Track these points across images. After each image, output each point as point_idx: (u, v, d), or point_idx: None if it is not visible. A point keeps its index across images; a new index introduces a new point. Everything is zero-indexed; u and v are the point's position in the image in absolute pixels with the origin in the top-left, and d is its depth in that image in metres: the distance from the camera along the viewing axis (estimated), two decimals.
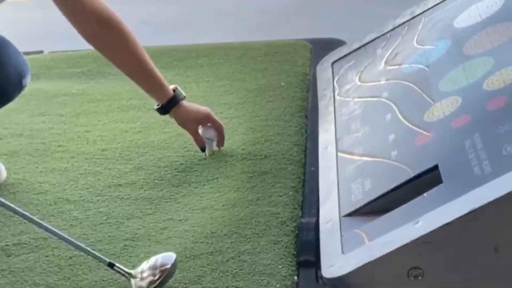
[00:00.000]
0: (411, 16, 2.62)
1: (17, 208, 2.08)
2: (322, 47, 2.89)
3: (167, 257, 2.06)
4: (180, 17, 3.86)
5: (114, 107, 2.83)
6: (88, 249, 2.08)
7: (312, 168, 2.32)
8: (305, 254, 2.02)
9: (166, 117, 2.48)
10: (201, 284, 1.99)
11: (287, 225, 2.12)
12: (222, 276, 1.98)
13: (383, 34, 2.65)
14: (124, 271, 2.03)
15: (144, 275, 2.03)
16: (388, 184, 2.00)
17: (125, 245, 2.12)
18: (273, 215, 2.16)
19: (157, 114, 2.49)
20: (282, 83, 2.76)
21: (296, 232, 2.10)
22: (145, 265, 2.05)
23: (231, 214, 2.18)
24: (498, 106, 1.96)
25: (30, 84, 2.93)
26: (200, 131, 2.50)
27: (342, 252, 1.91)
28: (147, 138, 2.63)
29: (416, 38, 2.50)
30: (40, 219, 2.19)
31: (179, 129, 2.54)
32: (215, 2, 4.00)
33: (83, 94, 2.87)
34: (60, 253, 2.08)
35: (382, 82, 2.43)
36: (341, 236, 1.96)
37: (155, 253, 2.03)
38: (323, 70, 2.68)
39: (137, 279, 2.03)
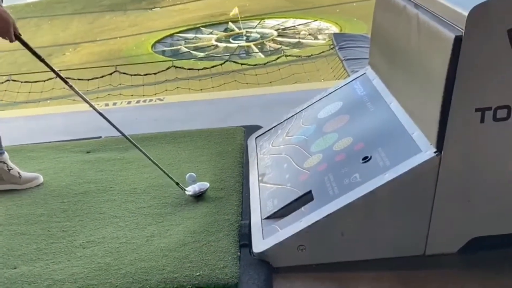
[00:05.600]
0: (295, 112, 2.67)
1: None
2: (250, 130, 2.87)
3: (204, 184, 2.34)
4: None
5: (141, 164, 2.65)
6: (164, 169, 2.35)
7: (246, 194, 2.32)
8: (243, 240, 2.02)
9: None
10: (183, 252, 1.95)
11: (234, 225, 2.11)
12: (200, 252, 1.96)
13: (282, 122, 2.69)
14: (183, 188, 2.33)
15: (195, 190, 2.32)
16: (286, 201, 2.04)
17: None
18: (227, 220, 2.14)
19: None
20: (230, 149, 2.73)
21: (239, 228, 2.08)
22: (194, 186, 2.33)
23: (203, 220, 2.15)
24: (341, 158, 2.03)
25: (95, 154, 2.81)
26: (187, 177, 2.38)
27: (263, 238, 1.94)
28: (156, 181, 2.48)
29: (301, 122, 2.54)
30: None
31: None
32: (190, 111, 3.62)
33: (122, 159, 2.76)
34: None
35: (282, 146, 2.46)
36: (262, 229, 1.99)
37: None
38: (251, 142, 2.72)
39: (189, 192, 2.32)
